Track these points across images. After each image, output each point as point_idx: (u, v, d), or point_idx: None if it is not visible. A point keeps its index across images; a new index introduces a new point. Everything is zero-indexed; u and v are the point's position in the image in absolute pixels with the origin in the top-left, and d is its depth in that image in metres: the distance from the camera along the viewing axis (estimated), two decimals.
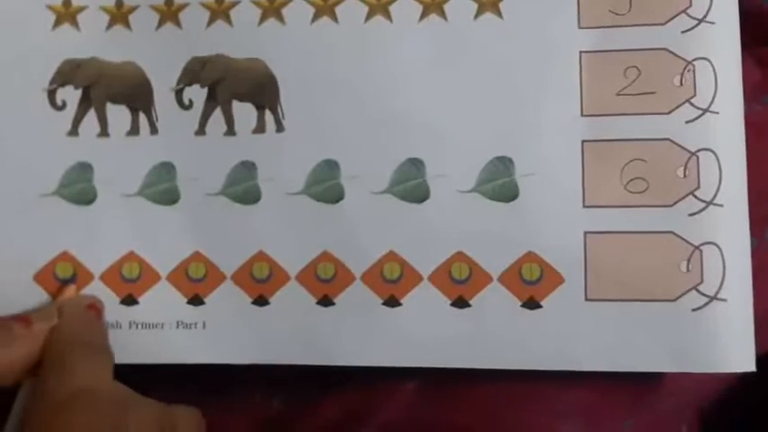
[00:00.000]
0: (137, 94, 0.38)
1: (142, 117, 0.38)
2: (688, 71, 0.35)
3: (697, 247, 0.34)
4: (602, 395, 0.36)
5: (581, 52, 0.36)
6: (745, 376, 0.34)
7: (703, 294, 0.34)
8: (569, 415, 0.36)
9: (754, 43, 0.38)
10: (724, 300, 0.33)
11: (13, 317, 0.34)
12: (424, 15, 0.37)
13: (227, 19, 0.38)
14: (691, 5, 0.35)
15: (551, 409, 0.36)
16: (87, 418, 0.29)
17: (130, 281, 0.37)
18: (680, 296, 0.34)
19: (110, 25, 0.38)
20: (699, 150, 0.34)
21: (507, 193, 0.35)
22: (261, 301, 0.36)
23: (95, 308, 0.36)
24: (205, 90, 0.38)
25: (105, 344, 0.35)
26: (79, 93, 0.38)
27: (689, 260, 0.34)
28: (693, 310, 0.34)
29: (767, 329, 0.35)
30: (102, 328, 0.36)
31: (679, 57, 0.35)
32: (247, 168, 0.37)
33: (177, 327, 0.37)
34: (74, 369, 0.32)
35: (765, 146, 0.37)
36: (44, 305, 0.37)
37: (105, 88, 0.38)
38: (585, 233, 0.35)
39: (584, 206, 0.35)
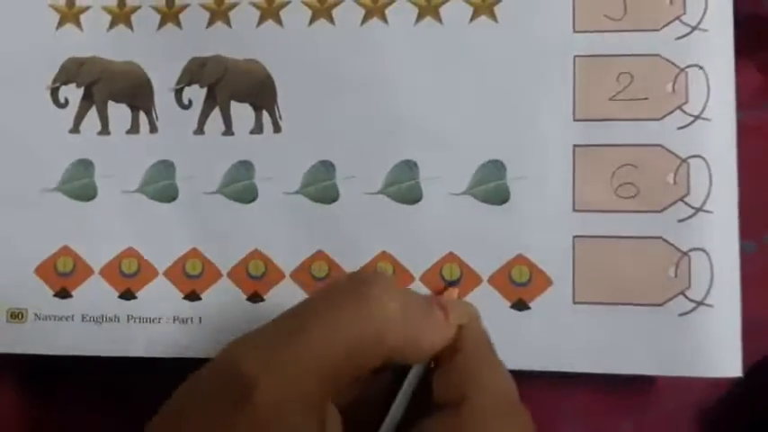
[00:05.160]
0: (137, 93, 0.39)
1: (142, 116, 0.39)
2: (681, 78, 0.35)
3: (685, 253, 0.34)
4: (601, 396, 0.37)
5: (575, 56, 0.36)
6: (746, 380, 0.34)
7: (690, 300, 0.34)
8: (569, 416, 0.37)
9: (755, 48, 0.38)
10: (710, 305, 0.34)
11: (432, 299, 0.30)
12: (419, 18, 0.37)
13: (227, 20, 0.38)
14: (685, 12, 0.35)
15: (550, 409, 0.37)
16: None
17: (129, 276, 0.38)
18: (667, 301, 0.34)
19: (112, 25, 0.39)
20: (689, 157, 0.34)
21: (499, 196, 0.36)
22: (256, 297, 0.37)
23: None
24: (204, 90, 0.38)
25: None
26: (81, 91, 0.39)
27: (677, 265, 0.34)
28: (680, 314, 0.34)
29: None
30: None
31: (672, 63, 0.35)
32: (245, 168, 0.38)
33: (174, 321, 0.37)
34: (491, 376, 0.29)
35: (765, 150, 0.37)
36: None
37: (107, 87, 0.39)
38: (574, 237, 0.35)
39: (574, 210, 0.35)
